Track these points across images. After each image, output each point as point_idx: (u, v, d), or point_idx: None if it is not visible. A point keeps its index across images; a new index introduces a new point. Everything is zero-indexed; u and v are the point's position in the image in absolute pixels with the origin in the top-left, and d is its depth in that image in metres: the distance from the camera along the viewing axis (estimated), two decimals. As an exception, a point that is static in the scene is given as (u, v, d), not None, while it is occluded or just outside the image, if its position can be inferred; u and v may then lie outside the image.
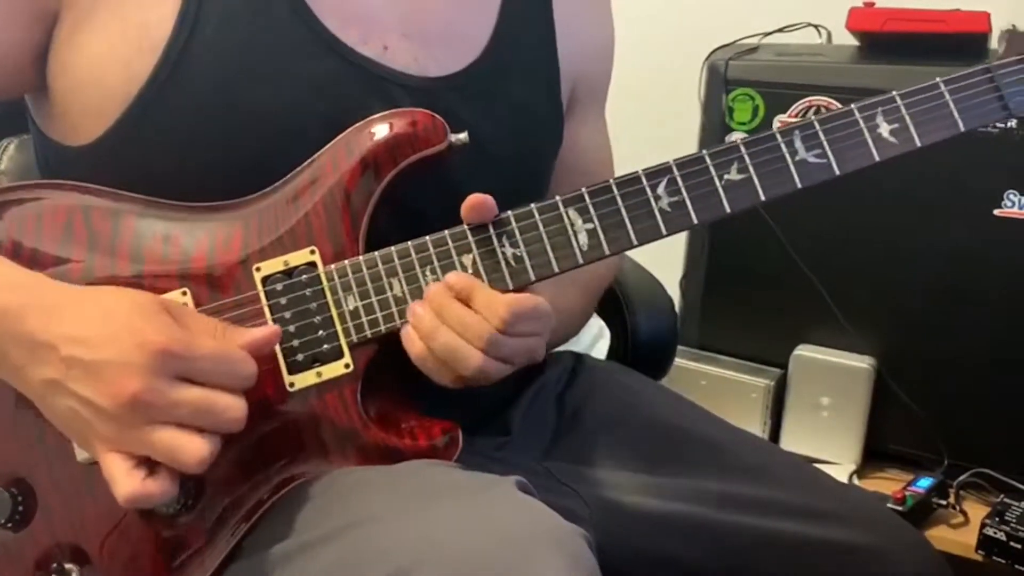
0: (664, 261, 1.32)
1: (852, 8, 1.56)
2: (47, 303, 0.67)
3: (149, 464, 0.65)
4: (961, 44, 1.48)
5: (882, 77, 1.49)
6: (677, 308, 1.42)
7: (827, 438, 1.59)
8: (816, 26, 1.72)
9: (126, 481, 0.64)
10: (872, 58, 1.57)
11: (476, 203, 0.75)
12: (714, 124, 1.61)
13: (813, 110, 1.53)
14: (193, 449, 0.64)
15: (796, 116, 1.54)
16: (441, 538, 0.61)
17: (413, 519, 0.64)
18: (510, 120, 0.87)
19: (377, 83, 0.81)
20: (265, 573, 0.68)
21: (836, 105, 1.50)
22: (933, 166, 1.44)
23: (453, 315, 0.72)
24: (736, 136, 1.59)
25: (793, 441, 1.62)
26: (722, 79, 1.59)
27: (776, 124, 1.55)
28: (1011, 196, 1.43)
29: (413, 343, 0.73)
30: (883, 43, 1.56)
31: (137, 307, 0.66)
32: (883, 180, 1.48)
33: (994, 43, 1.51)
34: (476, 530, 0.61)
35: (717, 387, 1.65)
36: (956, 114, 0.78)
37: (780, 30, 1.69)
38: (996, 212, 1.44)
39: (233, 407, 0.66)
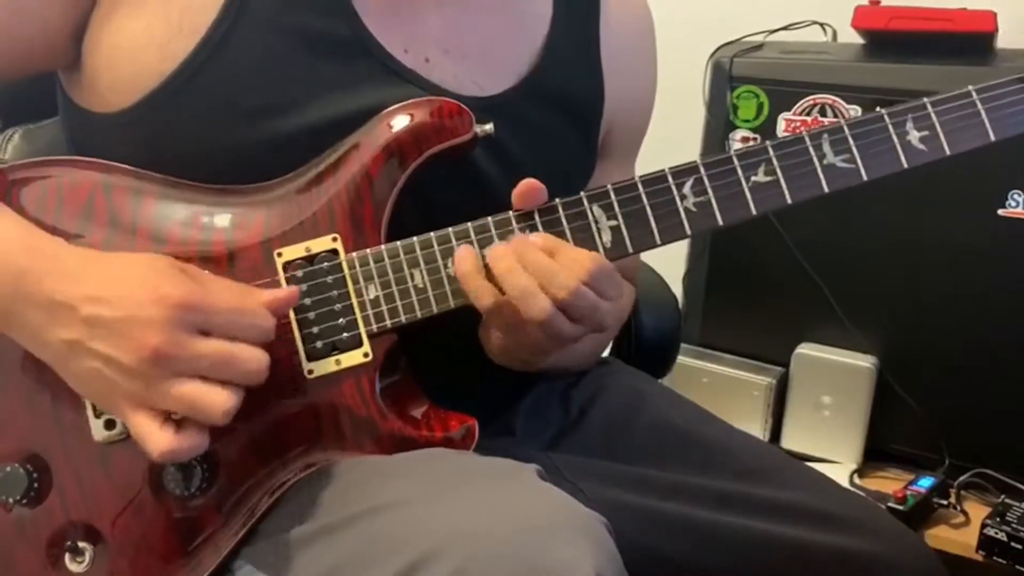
0: (666, 258, 1.31)
1: (857, 6, 1.55)
2: (66, 267, 0.68)
3: (177, 419, 0.66)
4: (967, 43, 1.48)
5: (887, 75, 1.49)
6: (679, 306, 1.42)
7: (828, 437, 1.59)
8: (821, 24, 1.71)
9: (159, 437, 0.65)
10: (877, 56, 1.57)
11: (527, 189, 0.75)
12: (718, 121, 1.61)
13: (818, 108, 1.52)
14: (217, 401, 0.65)
15: (801, 114, 1.54)
16: (465, 524, 0.61)
17: (436, 505, 0.64)
18: (541, 147, 0.88)
19: (412, 91, 0.81)
20: (285, 556, 0.69)
21: (841, 103, 1.50)
22: (937, 165, 1.43)
23: (534, 261, 0.72)
24: (740, 134, 1.59)
25: (794, 440, 1.62)
26: (727, 76, 1.58)
27: (781, 122, 1.55)
28: (1015, 196, 1.43)
29: (484, 295, 0.73)
30: (888, 41, 1.56)
31: (153, 266, 0.67)
32: (887, 178, 1.47)
33: (1000, 43, 1.51)
34: (500, 516, 0.62)
35: (719, 385, 1.65)
36: (987, 123, 0.78)
37: (785, 28, 1.69)
38: (1000, 212, 1.44)
39: (254, 358, 0.67)
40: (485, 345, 0.79)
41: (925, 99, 0.78)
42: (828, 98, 1.52)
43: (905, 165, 0.78)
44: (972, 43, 1.48)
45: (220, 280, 0.70)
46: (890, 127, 0.78)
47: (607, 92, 0.94)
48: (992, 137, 0.78)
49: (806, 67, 1.56)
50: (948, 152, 0.78)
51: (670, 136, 1.53)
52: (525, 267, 0.72)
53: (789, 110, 1.55)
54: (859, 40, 1.63)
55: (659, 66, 1.99)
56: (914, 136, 0.78)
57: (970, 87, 0.78)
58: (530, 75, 0.88)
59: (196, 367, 0.65)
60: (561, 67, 0.90)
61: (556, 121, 0.90)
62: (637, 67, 0.99)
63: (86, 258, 0.69)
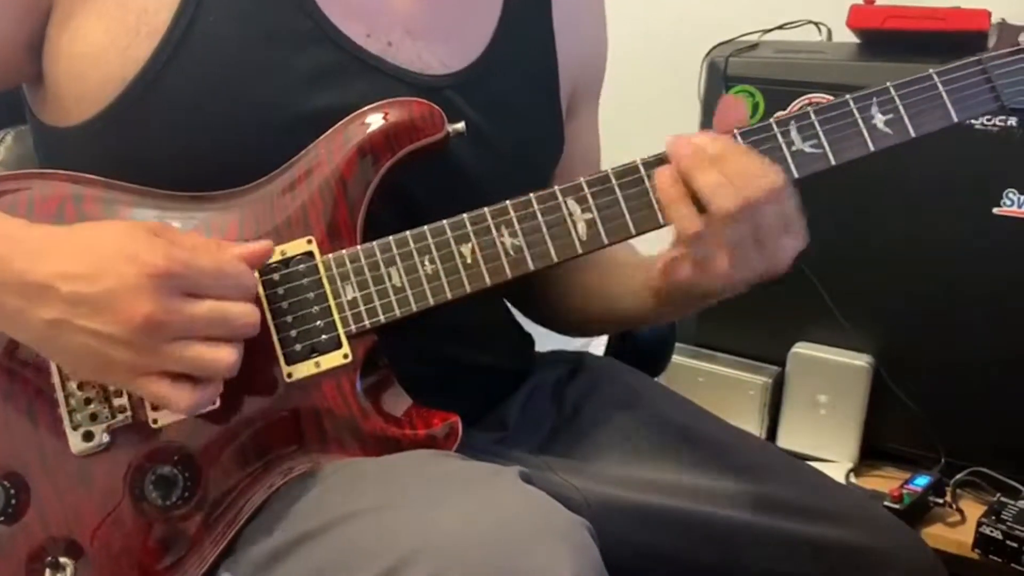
0: (662, 258, 1.32)
1: (852, 5, 1.55)
2: (32, 246, 0.67)
3: (184, 376, 0.66)
4: (961, 42, 1.47)
5: (882, 75, 1.45)
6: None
7: (825, 436, 1.59)
8: (816, 23, 1.71)
9: (179, 395, 0.66)
10: (872, 56, 1.56)
11: (725, 106, 0.76)
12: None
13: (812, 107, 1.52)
14: (221, 355, 0.66)
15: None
16: (444, 527, 0.61)
17: (415, 508, 0.64)
18: (509, 119, 0.88)
19: (379, 77, 0.81)
20: (265, 564, 0.68)
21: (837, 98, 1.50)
22: (933, 164, 1.44)
23: (733, 167, 0.72)
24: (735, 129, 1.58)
25: (791, 439, 1.62)
26: (722, 76, 1.58)
27: (775, 121, 1.55)
28: (1010, 195, 1.43)
29: (691, 223, 0.73)
30: (883, 40, 1.55)
31: (124, 233, 0.67)
32: (882, 178, 1.48)
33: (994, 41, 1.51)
34: (480, 519, 0.61)
35: (715, 384, 1.65)
36: (949, 105, 0.79)
37: (780, 27, 1.69)
38: (995, 211, 1.44)
39: (246, 313, 0.67)
40: (660, 286, 0.80)
41: (888, 83, 0.79)
42: (823, 97, 1.50)
43: (872, 148, 0.78)
44: (967, 42, 1.48)
45: (194, 237, 0.70)
46: (855, 112, 0.78)
47: (562, 57, 0.93)
48: (955, 118, 0.79)
49: (801, 66, 1.56)
50: (913, 134, 0.79)
51: (665, 135, 1.53)
52: (728, 177, 0.72)
53: (784, 109, 1.55)
54: (854, 39, 1.63)
55: (655, 66, 1.99)
56: (879, 120, 0.79)
57: (931, 70, 0.80)
58: (490, 47, 0.88)
59: (191, 329, 0.65)
60: (519, 35, 0.90)
61: (520, 90, 0.90)
62: (587, 23, 0.99)
63: (52, 234, 0.68)
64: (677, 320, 1.12)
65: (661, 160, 0.76)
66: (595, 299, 0.96)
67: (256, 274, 0.71)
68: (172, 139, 0.76)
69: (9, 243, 0.67)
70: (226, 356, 0.66)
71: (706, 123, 1.63)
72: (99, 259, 0.65)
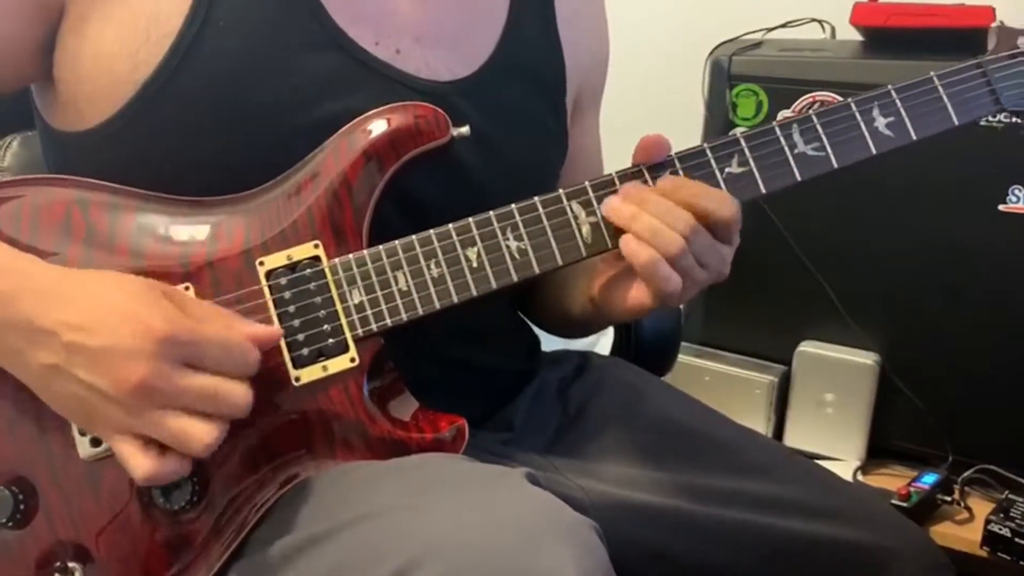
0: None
1: (856, 3, 1.55)
2: (42, 287, 0.67)
3: (159, 443, 0.66)
4: (965, 39, 1.47)
5: (886, 72, 1.47)
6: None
7: (831, 434, 1.59)
8: (820, 21, 1.71)
9: (141, 462, 0.65)
10: (876, 53, 1.57)
11: (646, 144, 0.77)
12: (717, 120, 1.60)
13: (816, 105, 1.52)
14: (200, 434, 0.65)
15: (800, 112, 1.54)
16: (452, 529, 0.61)
17: (423, 511, 0.64)
18: (516, 125, 0.88)
19: (387, 84, 0.81)
20: (273, 568, 0.68)
21: (839, 100, 1.50)
22: (938, 161, 1.44)
23: (653, 201, 0.74)
24: (739, 131, 1.58)
25: (797, 437, 1.62)
26: (726, 74, 1.58)
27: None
28: (1016, 192, 1.42)
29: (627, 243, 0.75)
30: (887, 38, 1.55)
31: (137, 293, 0.67)
32: (887, 176, 1.48)
33: (998, 38, 1.51)
34: (486, 521, 0.62)
35: (721, 384, 1.64)
36: (950, 108, 0.80)
37: (784, 25, 1.69)
38: (1000, 207, 1.44)
39: (238, 393, 0.67)
40: (612, 302, 0.80)
41: (890, 86, 0.80)
42: (827, 95, 1.51)
43: (874, 151, 0.79)
44: (970, 39, 1.47)
45: (204, 306, 0.70)
46: (857, 115, 0.79)
47: (567, 59, 0.94)
48: (955, 121, 0.80)
49: (805, 65, 1.56)
50: (914, 137, 0.80)
51: (669, 134, 1.53)
52: (645, 209, 0.74)
53: (788, 108, 1.55)
54: (858, 37, 1.63)
55: (658, 64, 1.99)
56: (881, 123, 0.79)
57: (932, 73, 0.80)
58: (497, 52, 0.88)
59: (181, 401, 0.65)
60: (524, 40, 0.90)
61: (526, 95, 0.90)
62: (589, 27, 0.99)
63: (61, 276, 0.68)
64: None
65: (666, 164, 0.77)
66: (554, 303, 0.97)
67: (256, 350, 0.69)
68: (182, 143, 0.76)
69: (18, 278, 0.67)
70: (205, 434, 0.65)
71: (710, 121, 1.63)
72: (105, 313, 0.65)
